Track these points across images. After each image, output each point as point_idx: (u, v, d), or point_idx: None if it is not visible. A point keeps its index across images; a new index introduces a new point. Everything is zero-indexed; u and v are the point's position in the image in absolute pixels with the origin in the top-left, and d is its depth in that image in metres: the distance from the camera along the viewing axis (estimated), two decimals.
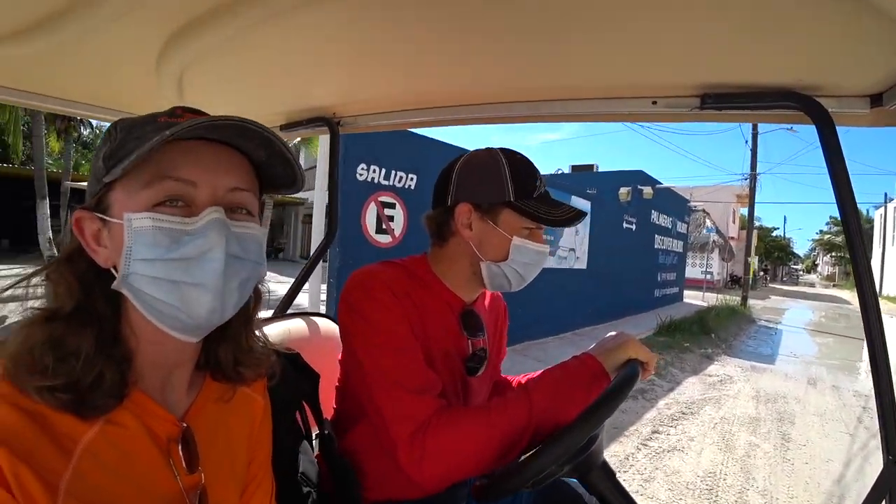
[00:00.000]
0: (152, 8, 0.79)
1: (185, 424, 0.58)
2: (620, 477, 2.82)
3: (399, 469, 0.77)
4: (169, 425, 0.56)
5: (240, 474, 0.66)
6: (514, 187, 0.90)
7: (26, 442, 0.45)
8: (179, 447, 0.56)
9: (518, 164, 0.93)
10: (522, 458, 0.74)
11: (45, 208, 7.81)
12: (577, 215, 0.93)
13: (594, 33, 0.75)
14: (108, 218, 0.52)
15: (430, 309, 0.91)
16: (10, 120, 10.09)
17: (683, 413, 4.16)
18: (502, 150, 0.95)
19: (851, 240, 0.73)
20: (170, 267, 0.50)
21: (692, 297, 14.81)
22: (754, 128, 15.99)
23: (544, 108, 1.05)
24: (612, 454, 3.21)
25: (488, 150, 0.96)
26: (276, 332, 1.14)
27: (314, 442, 0.92)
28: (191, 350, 0.59)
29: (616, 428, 3.65)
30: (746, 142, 16.38)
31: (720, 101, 0.83)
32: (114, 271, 0.52)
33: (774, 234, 52.39)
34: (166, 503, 0.54)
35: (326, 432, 0.90)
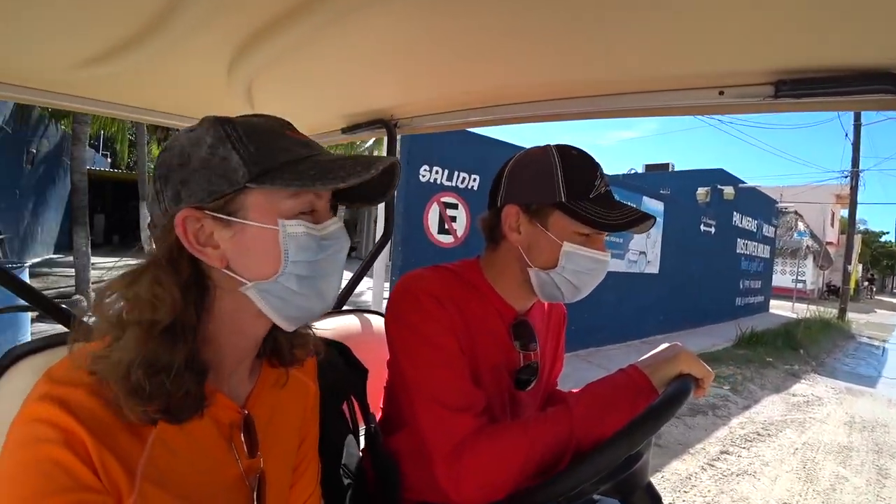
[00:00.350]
0: (222, 22, 0.85)
1: (246, 412, 0.61)
2: (679, 498, 2.65)
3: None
4: (232, 413, 0.60)
5: (292, 456, 0.69)
6: (567, 187, 0.83)
7: (108, 428, 0.48)
8: (241, 433, 0.60)
9: (572, 161, 0.86)
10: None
11: (145, 208, 8.79)
12: (641, 219, 0.83)
13: (656, 21, 0.70)
14: (239, 220, 0.54)
15: (478, 318, 0.87)
16: (119, 130, 11.32)
17: (759, 434, 3.81)
18: (558, 146, 0.88)
19: None
20: (314, 266, 0.57)
21: (780, 308, 13.58)
22: (857, 118, 14.15)
23: (604, 104, 1.00)
24: (673, 471, 3.01)
25: (543, 147, 0.89)
26: (329, 326, 1.18)
27: (360, 437, 0.94)
28: (258, 342, 0.63)
29: (680, 444, 3.42)
30: (847, 134, 14.71)
31: (798, 88, 0.74)
32: (229, 272, 0.55)
33: (883, 239, 46.73)
34: (228, 486, 0.58)
35: (372, 427, 0.91)
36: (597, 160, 0.88)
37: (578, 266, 0.84)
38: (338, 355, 0.93)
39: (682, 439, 3.51)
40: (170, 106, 1.37)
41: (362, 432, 0.95)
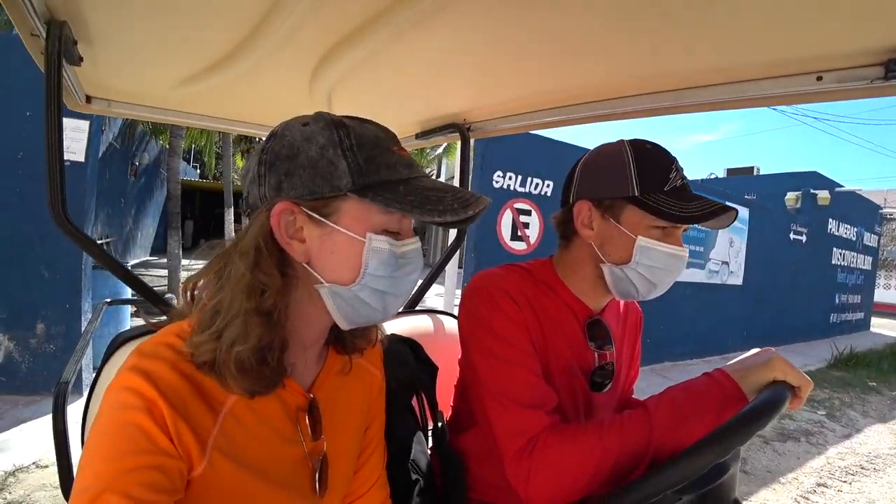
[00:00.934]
0: (305, 37, 0.92)
1: (311, 395, 0.64)
2: None
3: (505, 478, 0.76)
4: (298, 396, 0.63)
5: (355, 441, 0.72)
6: (640, 180, 0.81)
7: (185, 400, 0.52)
8: (306, 416, 0.63)
9: (645, 154, 0.84)
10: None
11: (230, 215, 9.49)
12: (720, 210, 0.79)
13: (743, 3, 0.66)
14: (331, 224, 0.56)
15: (552, 317, 0.86)
16: (207, 142, 12.35)
17: (863, 468, 3.39)
18: (631, 141, 0.86)
19: None
20: (388, 282, 0.59)
21: (884, 327, 12.13)
22: None
23: (688, 97, 0.95)
24: (761, 501, 2.76)
25: (616, 142, 0.88)
26: (402, 326, 1.22)
27: (429, 434, 0.96)
28: (324, 332, 0.66)
29: (770, 472, 3.13)
30: None
31: None
32: (309, 268, 0.58)
33: None
34: (293, 464, 0.61)
35: (440, 425, 0.92)
36: (672, 154, 0.85)
37: (654, 261, 0.81)
38: (409, 351, 0.95)
39: (770, 466, 3.21)
40: (256, 116, 1.50)
41: (430, 431, 0.97)
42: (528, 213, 4.44)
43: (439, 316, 1.36)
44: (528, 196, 4.44)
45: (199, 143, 12.36)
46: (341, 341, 0.70)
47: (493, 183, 4.22)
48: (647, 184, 0.81)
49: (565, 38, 0.85)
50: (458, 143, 1.47)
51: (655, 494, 0.59)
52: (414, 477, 0.84)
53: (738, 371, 0.72)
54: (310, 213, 0.56)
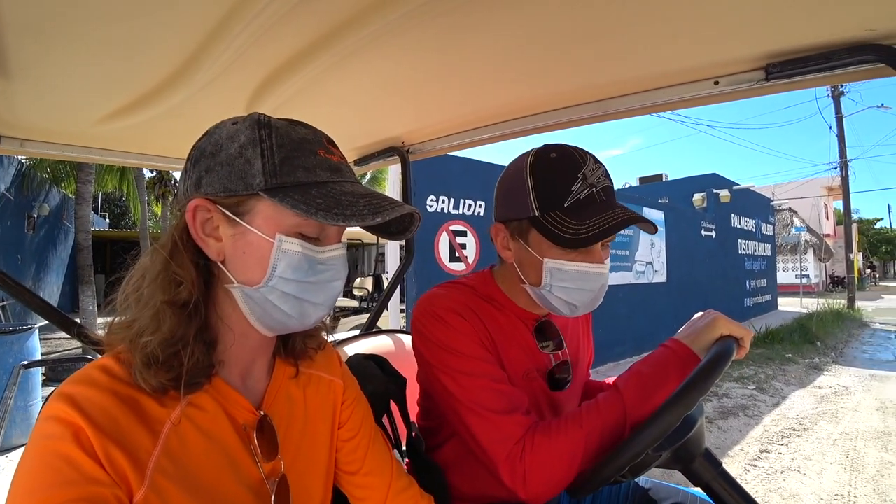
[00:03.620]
0: (240, 69, 0.90)
1: (262, 413, 0.61)
2: None
3: (483, 483, 0.77)
4: (246, 413, 0.60)
5: (323, 457, 0.68)
6: (538, 199, 0.79)
7: (116, 422, 0.49)
8: (256, 434, 0.59)
9: (547, 166, 0.80)
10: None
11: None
12: (620, 225, 0.75)
13: (651, 21, 0.75)
14: (243, 223, 0.56)
15: (502, 327, 0.87)
16: (129, 186, 11.43)
17: (794, 430, 3.74)
18: (537, 151, 0.83)
19: None
20: (301, 287, 0.57)
21: (788, 305, 13.48)
22: (838, 111, 14.69)
23: (607, 107, 1.05)
24: None
25: (524, 155, 0.85)
26: (363, 347, 1.21)
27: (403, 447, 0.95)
28: (263, 341, 0.64)
29: (718, 448, 3.35)
30: (831, 127, 15.01)
31: (787, 69, 0.80)
32: (222, 266, 0.57)
33: (878, 226, 46.81)
34: (248, 488, 0.58)
35: (414, 434, 0.92)
36: (585, 158, 0.80)
37: (566, 282, 0.80)
38: (376, 367, 0.95)
39: (718, 443, 3.44)
40: (187, 151, 1.42)
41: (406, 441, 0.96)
42: (463, 233, 4.54)
43: (397, 335, 1.36)
44: (462, 217, 4.55)
45: (107, 188, 11.45)
46: (291, 348, 0.68)
47: (427, 207, 4.29)
48: (545, 203, 0.79)
49: (494, 60, 0.90)
50: (387, 170, 1.49)
51: (640, 454, 0.63)
52: None
53: (688, 336, 0.77)
54: (225, 211, 0.55)
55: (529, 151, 0.84)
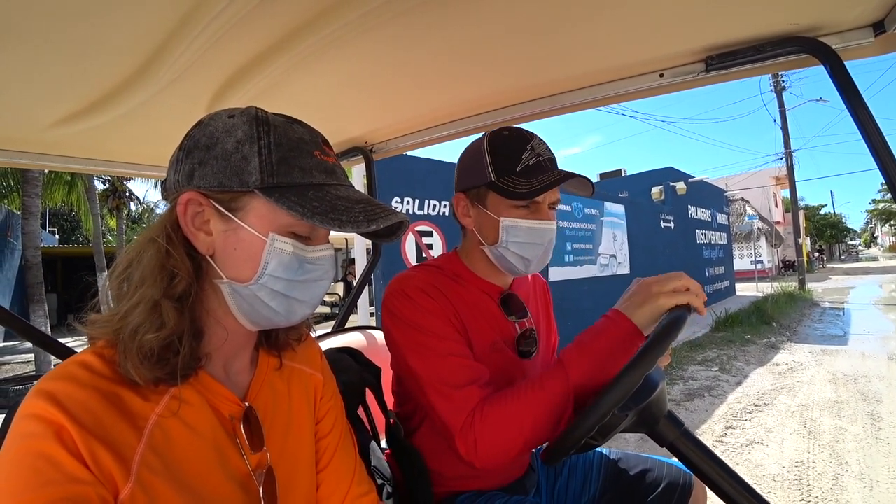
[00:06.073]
0: (200, 70, 0.89)
1: (247, 404, 0.61)
2: None
3: (462, 464, 0.79)
4: (232, 405, 0.60)
5: (308, 449, 0.69)
6: (495, 166, 0.90)
7: (99, 419, 0.48)
8: (242, 426, 0.60)
9: (501, 141, 0.92)
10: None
11: (104, 280, 8.48)
12: (564, 177, 0.86)
13: (600, 18, 0.79)
14: (236, 220, 0.56)
15: (468, 302, 0.93)
16: (78, 199, 10.75)
17: (756, 405, 3.94)
18: (493, 132, 0.95)
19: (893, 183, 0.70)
20: (291, 285, 0.58)
21: (745, 290, 14.11)
22: (781, 104, 15.58)
23: (562, 101, 1.10)
24: None
25: (481, 136, 0.96)
26: (335, 343, 1.22)
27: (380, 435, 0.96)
28: (247, 334, 0.64)
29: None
30: (775, 120, 15.86)
31: (724, 61, 0.86)
32: (212, 262, 0.57)
33: (823, 211, 49.69)
34: (235, 480, 0.58)
35: (392, 421, 0.94)
36: (532, 135, 0.93)
37: (520, 237, 0.90)
38: (350, 358, 0.96)
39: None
40: (145, 156, 1.38)
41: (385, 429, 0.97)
42: (429, 234, 4.56)
43: (369, 331, 1.37)
44: (427, 218, 4.57)
45: (55, 201, 10.76)
46: (273, 340, 0.69)
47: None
48: (500, 168, 0.90)
49: (449, 58, 0.93)
50: (351, 172, 1.49)
51: (606, 414, 0.65)
52: (379, 482, 0.84)
53: (627, 308, 0.81)
54: (217, 206, 0.55)
55: (486, 132, 0.97)
